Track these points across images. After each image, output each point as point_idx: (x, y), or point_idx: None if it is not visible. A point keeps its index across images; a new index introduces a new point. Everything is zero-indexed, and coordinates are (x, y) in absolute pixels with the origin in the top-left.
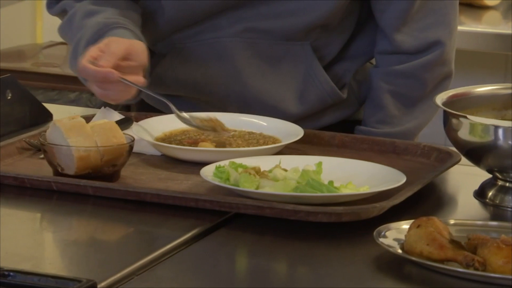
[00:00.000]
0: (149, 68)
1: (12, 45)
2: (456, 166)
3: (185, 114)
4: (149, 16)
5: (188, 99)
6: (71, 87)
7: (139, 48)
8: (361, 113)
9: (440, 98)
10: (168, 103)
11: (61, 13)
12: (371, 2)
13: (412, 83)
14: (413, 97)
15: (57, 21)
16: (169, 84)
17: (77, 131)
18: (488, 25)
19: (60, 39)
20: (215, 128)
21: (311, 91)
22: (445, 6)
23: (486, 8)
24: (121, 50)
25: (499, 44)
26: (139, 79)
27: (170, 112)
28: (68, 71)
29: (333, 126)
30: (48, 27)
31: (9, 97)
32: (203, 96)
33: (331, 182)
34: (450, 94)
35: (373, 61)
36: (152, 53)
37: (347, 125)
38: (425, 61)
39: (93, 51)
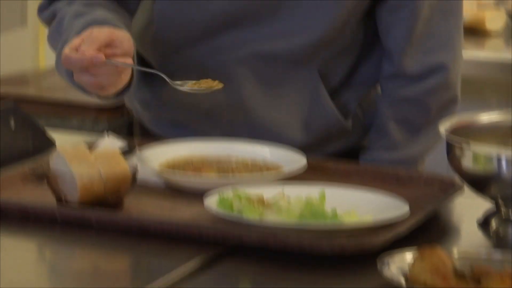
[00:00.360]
0: (136, 58)
1: (15, 70)
2: (459, 195)
3: (178, 83)
4: (148, 35)
5: (189, 125)
6: (74, 114)
7: (123, 36)
8: (366, 139)
9: (444, 127)
10: (161, 74)
11: (51, 18)
12: (377, 25)
13: (416, 109)
14: (417, 123)
15: None
16: (173, 110)
17: (80, 159)
18: (490, 51)
19: None
20: (211, 86)
21: (316, 119)
22: (450, 30)
23: (488, 34)
24: (103, 36)
25: (501, 71)
26: (128, 60)
27: (173, 136)
28: (71, 97)
29: (337, 152)
30: (51, 52)
31: (12, 127)
32: (206, 122)
33: (334, 211)
34: (454, 122)
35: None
36: (156, 76)
37: (352, 152)
38: (429, 85)
39: (75, 41)
